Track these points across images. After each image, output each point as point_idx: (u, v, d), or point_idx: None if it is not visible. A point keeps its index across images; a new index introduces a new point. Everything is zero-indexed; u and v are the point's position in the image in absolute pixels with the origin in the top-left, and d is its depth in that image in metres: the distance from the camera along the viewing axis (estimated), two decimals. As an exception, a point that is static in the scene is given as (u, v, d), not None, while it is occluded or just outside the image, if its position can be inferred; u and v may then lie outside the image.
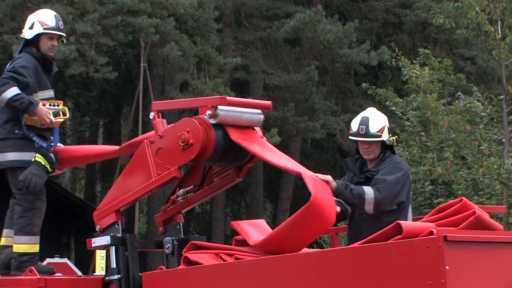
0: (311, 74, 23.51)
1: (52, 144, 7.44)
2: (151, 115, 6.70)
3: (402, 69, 17.09)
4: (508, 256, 5.01)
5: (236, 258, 5.97)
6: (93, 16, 19.57)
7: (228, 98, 6.49)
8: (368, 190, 6.43)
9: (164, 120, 6.68)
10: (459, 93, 17.00)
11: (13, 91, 7.30)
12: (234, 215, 32.67)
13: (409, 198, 6.73)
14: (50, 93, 7.53)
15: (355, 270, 5.01)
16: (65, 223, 21.50)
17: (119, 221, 6.77)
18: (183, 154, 6.37)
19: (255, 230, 6.32)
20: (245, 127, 6.67)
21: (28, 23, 7.61)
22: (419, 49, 18.24)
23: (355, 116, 7.12)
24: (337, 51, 23.73)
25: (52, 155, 7.36)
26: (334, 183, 6.26)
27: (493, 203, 14.71)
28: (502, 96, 15.14)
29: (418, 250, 4.71)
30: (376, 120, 6.91)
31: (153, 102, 6.93)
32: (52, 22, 7.59)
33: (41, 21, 7.56)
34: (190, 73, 21.65)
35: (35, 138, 7.37)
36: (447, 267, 4.60)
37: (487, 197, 15.25)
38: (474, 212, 5.14)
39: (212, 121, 6.46)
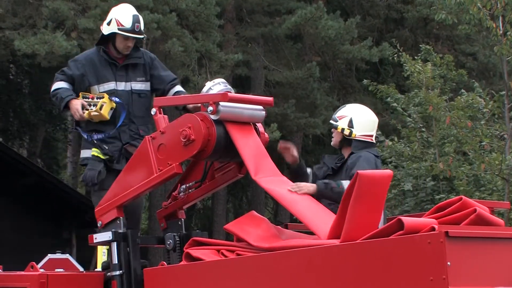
0: (313, 70, 23.51)
1: (104, 134, 7.40)
2: (153, 111, 6.70)
3: (404, 65, 17.08)
4: (510, 252, 5.00)
5: (238, 254, 5.97)
6: (95, 11, 19.56)
7: (230, 94, 6.49)
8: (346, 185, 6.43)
9: (166, 116, 6.69)
10: (462, 90, 16.99)
11: (54, 86, 7.51)
12: (236, 211, 32.68)
13: None
14: (110, 85, 7.45)
15: (356, 266, 5.01)
16: (67, 219, 21.52)
17: (121, 217, 6.77)
18: (184, 150, 6.38)
19: (251, 227, 6.29)
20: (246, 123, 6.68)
21: (108, 17, 7.56)
22: (420, 45, 18.23)
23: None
24: (339, 47, 23.72)
25: (105, 145, 7.37)
26: (314, 187, 6.40)
27: (494, 199, 14.69)
28: (504, 92, 15.14)
29: (420, 245, 4.71)
30: (346, 109, 6.95)
31: (154, 98, 6.95)
32: (128, 23, 7.46)
33: (118, 20, 7.46)
34: (191, 69, 21.64)
35: (82, 134, 7.46)
36: (448, 263, 4.59)
37: (488, 193, 15.23)
38: (475, 210, 5.13)
39: (214, 117, 6.46)
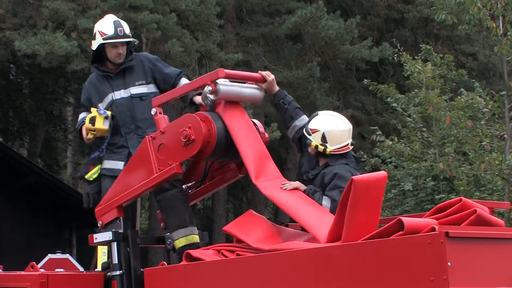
0: (313, 70, 23.49)
1: (93, 154, 7.47)
2: (153, 111, 6.69)
3: (404, 64, 17.08)
4: (510, 252, 5.00)
5: (238, 254, 5.97)
6: (95, 12, 19.55)
7: (226, 70, 6.44)
8: (326, 203, 6.43)
9: (166, 116, 6.68)
10: (462, 89, 16.99)
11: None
12: (236, 211, 32.68)
13: None
14: (109, 97, 7.45)
15: (357, 266, 5.01)
16: (67, 218, 21.52)
17: (121, 217, 6.77)
18: (185, 150, 6.37)
19: (250, 228, 6.29)
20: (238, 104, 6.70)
21: (93, 34, 7.57)
22: (421, 45, 18.23)
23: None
24: (339, 47, 23.70)
25: (91, 166, 7.43)
26: (303, 188, 6.47)
27: (494, 199, 14.69)
28: (504, 92, 15.13)
29: (420, 246, 4.70)
30: (318, 122, 6.79)
31: (153, 98, 6.89)
32: (110, 31, 7.44)
33: (100, 31, 7.47)
34: (191, 69, 21.63)
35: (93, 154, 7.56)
36: (449, 263, 4.59)
37: (488, 193, 15.24)
38: (475, 211, 5.13)
39: (213, 97, 6.46)
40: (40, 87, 28.09)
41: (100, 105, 7.44)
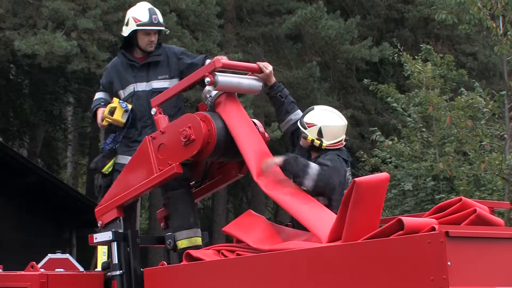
0: (313, 70, 23.50)
1: (107, 144, 7.40)
2: (153, 111, 6.67)
3: (404, 64, 17.09)
4: (510, 252, 5.00)
5: (238, 254, 5.97)
6: (95, 12, 19.56)
7: (222, 60, 6.42)
8: (313, 165, 6.35)
9: (166, 116, 6.68)
10: (462, 89, 17.00)
11: (94, 97, 7.57)
12: (236, 211, 32.69)
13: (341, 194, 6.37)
14: (130, 88, 7.35)
15: (357, 266, 5.01)
16: (67, 218, 21.53)
17: (121, 217, 6.76)
18: (184, 150, 6.37)
19: (250, 228, 6.28)
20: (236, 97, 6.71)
21: (125, 20, 7.45)
22: (421, 45, 18.24)
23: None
24: (339, 47, 23.71)
25: (108, 159, 7.38)
26: (281, 158, 6.35)
27: (494, 198, 14.69)
28: (504, 92, 15.14)
29: (420, 245, 4.70)
30: (314, 116, 6.77)
31: (152, 99, 6.86)
32: (145, 17, 7.33)
33: (134, 17, 7.34)
34: (191, 69, 21.62)
35: (105, 144, 7.48)
36: (449, 263, 4.59)
37: (488, 193, 15.24)
38: (475, 210, 5.13)
39: (212, 88, 6.45)
40: (40, 87, 28.10)
41: (121, 92, 7.36)
